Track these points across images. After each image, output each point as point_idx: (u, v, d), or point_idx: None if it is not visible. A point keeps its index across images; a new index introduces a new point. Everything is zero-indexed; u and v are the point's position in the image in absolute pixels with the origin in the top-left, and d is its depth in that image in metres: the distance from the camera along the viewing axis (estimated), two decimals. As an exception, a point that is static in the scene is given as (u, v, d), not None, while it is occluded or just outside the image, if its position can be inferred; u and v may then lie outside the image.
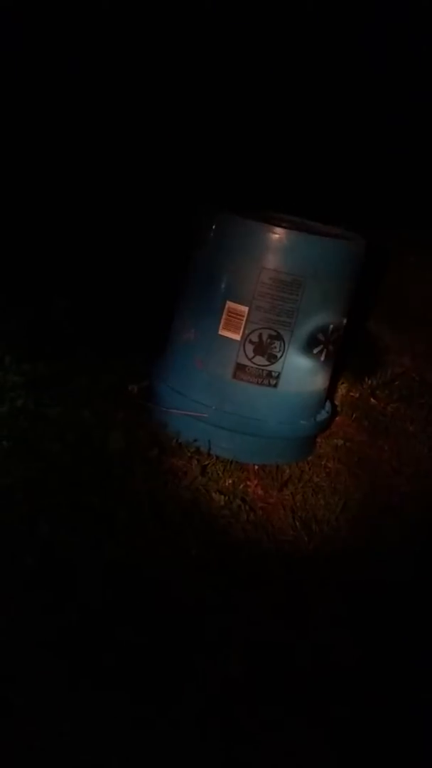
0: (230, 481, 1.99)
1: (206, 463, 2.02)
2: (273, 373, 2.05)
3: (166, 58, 2.75)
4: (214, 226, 2.07)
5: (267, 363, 2.03)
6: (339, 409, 2.50)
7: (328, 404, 2.30)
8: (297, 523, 1.90)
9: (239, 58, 2.73)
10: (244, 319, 2.00)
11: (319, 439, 2.32)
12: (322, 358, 2.11)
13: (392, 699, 1.49)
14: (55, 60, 2.69)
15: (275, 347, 2.02)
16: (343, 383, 2.65)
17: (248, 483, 2.02)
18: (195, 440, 2.08)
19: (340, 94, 2.77)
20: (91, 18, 2.66)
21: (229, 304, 2.01)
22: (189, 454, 2.03)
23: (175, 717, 1.31)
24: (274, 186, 2.40)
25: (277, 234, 1.97)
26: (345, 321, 2.15)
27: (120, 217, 2.83)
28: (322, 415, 2.22)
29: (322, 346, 2.08)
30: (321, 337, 2.06)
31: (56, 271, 2.66)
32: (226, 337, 2.03)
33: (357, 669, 1.52)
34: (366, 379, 2.77)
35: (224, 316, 2.02)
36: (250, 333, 2.01)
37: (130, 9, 2.68)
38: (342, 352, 2.30)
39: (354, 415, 2.53)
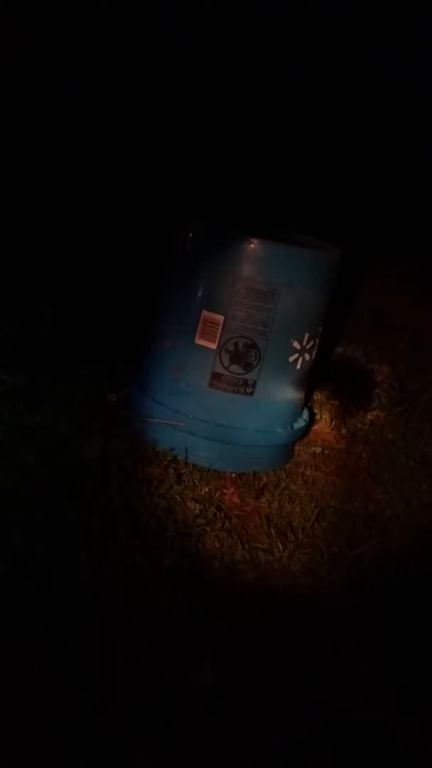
0: (206, 490, 2.00)
1: (183, 471, 2.03)
2: (249, 382, 2.06)
3: (156, 64, 2.77)
4: (190, 235, 2.09)
5: (243, 372, 2.05)
6: (317, 416, 2.51)
7: (305, 412, 2.31)
8: (272, 531, 1.90)
9: (228, 65, 2.75)
10: (220, 328, 2.01)
11: (297, 447, 2.33)
12: (299, 366, 2.12)
13: (362, 704, 1.49)
14: (42, 73, 2.71)
15: (251, 356, 2.03)
16: (322, 391, 2.66)
17: (225, 491, 2.03)
18: (172, 449, 2.09)
19: (323, 104, 2.80)
20: (82, 22, 2.67)
21: (205, 313, 2.03)
22: (166, 463, 2.04)
23: (148, 723, 1.31)
24: (253, 197, 2.42)
25: (252, 243, 1.98)
26: (321, 329, 2.17)
27: (101, 227, 2.84)
28: (300, 423, 2.24)
29: (298, 354, 2.10)
30: (297, 345, 2.08)
31: (40, 280, 2.67)
32: (202, 346, 2.04)
33: (330, 675, 1.53)
34: (345, 387, 2.79)
35: (200, 325, 2.03)
36: (226, 342, 2.02)
37: (127, 11, 2.69)
38: (320, 361, 2.32)
39: (333, 423, 2.54)
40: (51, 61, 2.70)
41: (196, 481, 2.01)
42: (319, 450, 2.36)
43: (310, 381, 2.25)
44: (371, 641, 1.65)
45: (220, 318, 2.01)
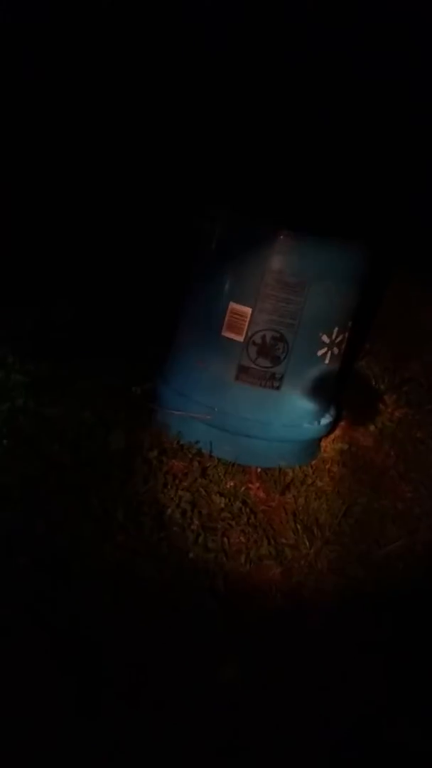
0: (231, 484, 1.97)
1: (207, 465, 2.00)
2: (276, 376, 2.02)
3: (171, 57, 2.74)
4: (218, 227, 2.06)
5: (270, 365, 2.01)
6: (345, 413, 2.47)
7: (333, 408, 2.27)
8: (298, 527, 1.87)
9: (249, 56, 2.71)
10: (248, 320, 1.98)
11: (323, 443, 2.29)
12: (327, 361, 2.08)
13: (391, 710, 1.45)
14: (53, 62, 2.69)
15: (279, 349, 2.00)
16: (350, 387, 2.61)
17: (250, 486, 2.00)
18: (197, 442, 2.06)
19: (353, 99, 2.75)
20: (89, 17, 2.65)
21: (232, 305, 1.99)
22: (190, 456, 2.01)
23: (172, 719, 1.29)
24: (282, 189, 2.38)
25: (282, 235, 1.95)
26: (350, 324, 2.12)
27: (125, 219, 2.82)
28: (327, 419, 2.19)
29: (326, 348, 2.06)
30: (326, 339, 2.04)
31: (62, 272, 2.66)
32: (229, 339, 2.01)
33: (357, 677, 1.49)
34: (374, 384, 2.74)
35: (227, 318, 2.00)
36: (253, 335, 1.99)
37: (131, 7, 2.67)
38: (349, 356, 2.27)
39: (360, 420, 2.49)
40: (53, 56, 2.68)
41: (221, 475, 1.98)
42: (346, 446, 2.32)
43: (338, 376, 2.20)
44: (399, 641, 1.61)
45: (248, 310, 1.98)
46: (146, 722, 1.28)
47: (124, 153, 2.74)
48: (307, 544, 1.82)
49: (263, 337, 1.99)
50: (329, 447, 2.30)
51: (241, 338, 2.00)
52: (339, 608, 1.66)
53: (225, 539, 1.75)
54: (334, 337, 2.06)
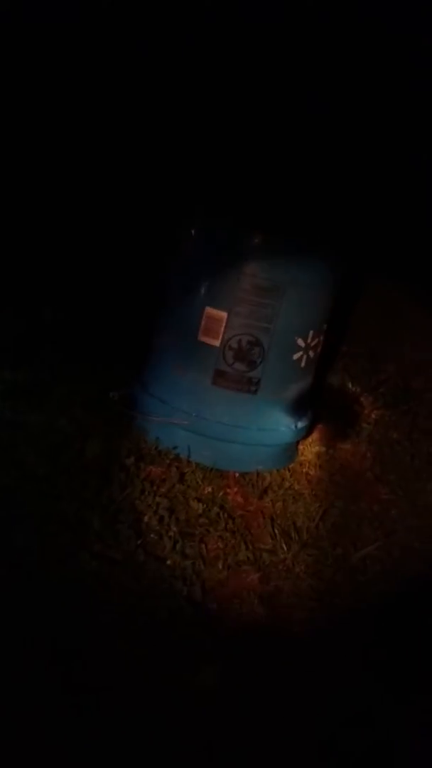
0: (209, 489, 1.96)
1: (185, 470, 2.00)
2: (253, 380, 2.03)
3: (155, 60, 2.74)
4: (194, 231, 2.06)
5: (247, 369, 2.02)
6: (322, 415, 2.48)
7: (310, 411, 2.28)
8: (276, 531, 1.87)
9: (224, 66, 2.72)
10: (224, 325, 1.98)
11: (301, 446, 2.30)
12: (303, 365, 2.09)
13: (370, 713, 1.46)
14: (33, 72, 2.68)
15: (255, 353, 2.00)
16: (327, 390, 2.63)
17: (228, 490, 2.00)
18: (175, 447, 2.06)
19: (327, 107, 2.76)
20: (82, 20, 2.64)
21: (208, 309, 1.99)
22: (168, 462, 2.01)
23: (148, 728, 1.28)
24: (257, 194, 2.39)
25: (257, 239, 1.95)
26: (326, 327, 2.14)
27: (102, 225, 2.81)
28: (304, 422, 2.20)
29: (302, 352, 2.06)
30: (301, 343, 2.05)
31: (42, 280, 2.64)
32: (206, 343, 2.01)
33: (335, 681, 1.50)
34: (351, 386, 2.75)
35: (203, 322, 2.00)
36: (229, 339, 1.99)
37: (127, 10, 2.66)
38: (326, 358, 2.29)
39: (337, 422, 2.51)
40: (49, 57, 2.67)
41: (198, 480, 1.98)
42: (323, 449, 2.33)
43: (314, 379, 2.21)
44: (378, 644, 1.62)
45: (224, 315, 1.98)
46: (123, 729, 1.27)
47: (102, 160, 2.73)
48: (285, 548, 1.82)
49: (239, 342, 1.99)
50: (307, 450, 2.31)
51: (217, 343, 2.00)
52: (316, 612, 1.66)
53: (203, 545, 1.75)
54: (309, 340, 2.07)
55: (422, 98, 2.66)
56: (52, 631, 1.40)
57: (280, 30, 2.66)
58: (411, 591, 1.83)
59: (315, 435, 2.38)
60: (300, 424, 2.18)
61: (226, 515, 1.88)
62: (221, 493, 1.97)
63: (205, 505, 1.88)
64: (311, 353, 2.10)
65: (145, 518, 1.76)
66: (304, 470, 2.21)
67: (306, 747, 1.36)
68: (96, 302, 2.63)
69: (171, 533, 1.74)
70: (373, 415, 2.60)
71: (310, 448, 2.32)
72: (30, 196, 2.77)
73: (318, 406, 2.41)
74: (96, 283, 2.70)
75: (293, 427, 2.16)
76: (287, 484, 2.11)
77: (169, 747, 1.28)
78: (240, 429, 2.06)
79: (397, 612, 1.74)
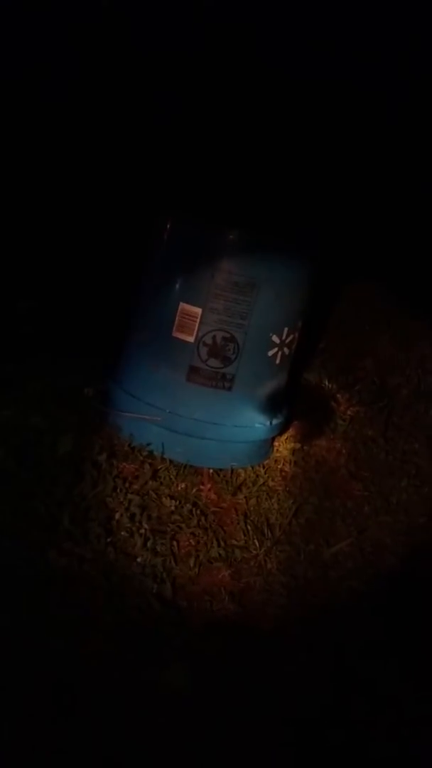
0: (182, 486, 1.96)
1: (159, 467, 1.98)
2: (227, 376, 2.02)
3: (128, 67, 2.72)
4: (169, 227, 2.05)
5: (221, 366, 2.01)
6: (298, 412, 2.48)
7: (285, 407, 2.27)
8: (249, 528, 1.87)
9: (201, 65, 2.70)
10: (198, 321, 1.97)
11: (276, 443, 2.30)
12: (278, 361, 2.09)
13: (340, 710, 1.47)
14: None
15: (229, 349, 2.00)
16: (303, 386, 2.63)
17: (201, 487, 1.99)
18: (148, 444, 2.04)
19: (301, 104, 2.76)
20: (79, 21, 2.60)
21: (183, 305, 1.98)
22: (141, 458, 2.00)
23: (117, 726, 1.28)
24: (231, 191, 2.38)
25: (231, 235, 1.94)
26: (301, 324, 2.13)
27: (79, 221, 2.78)
28: (279, 419, 2.20)
29: (277, 348, 2.06)
30: (276, 339, 2.04)
31: (16, 275, 2.61)
32: (180, 339, 2.00)
33: (306, 677, 1.50)
34: (326, 383, 2.76)
35: (178, 318, 1.99)
36: (203, 335, 1.98)
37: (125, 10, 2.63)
38: (302, 355, 2.28)
39: (313, 419, 2.51)
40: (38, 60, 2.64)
41: (172, 477, 1.97)
42: (298, 446, 2.33)
43: (289, 375, 2.21)
44: (349, 640, 1.63)
45: (198, 311, 1.96)
46: (91, 728, 1.26)
47: (79, 156, 2.70)
48: (257, 544, 1.82)
49: (214, 338, 1.98)
50: (282, 446, 2.31)
51: (191, 339, 1.99)
52: (287, 608, 1.66)
53: (174, 542, 1.74)
54: (284, 337, 2.06)
55: (396, 95, 2.67)
56: (19, 630, 1.38)
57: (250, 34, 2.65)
58: (383, 587, 1.84)
59: (290, 432, 2.38)
60: (275, 421, 2.18)
61: (198, 512, 1.87)
62: (194, 490, 1.96)
63: (177, 502, 1.88)
64: (286, 350, 2.10)
65: (117, 516, 1.74)
66: (278, 467, 2.21)
67: (276, 745, 1.36)
68: (71, 296, 2.61)
69: (142, 530, 1.73)
70: (348, 412, 2.60)
71: (285, 445, 2.32)
72: (5, 191, 2.74)
73: (294, 402, 2.41)
74: (71, 277, 2.67)
75: (268, 423, 2.16)
76: (261, 480, 2.10)
77: (138, 745, 1.28)
78: (214, 426, 2.05)
79: (369, 608, 1.75)
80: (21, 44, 2.60)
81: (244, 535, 1.85)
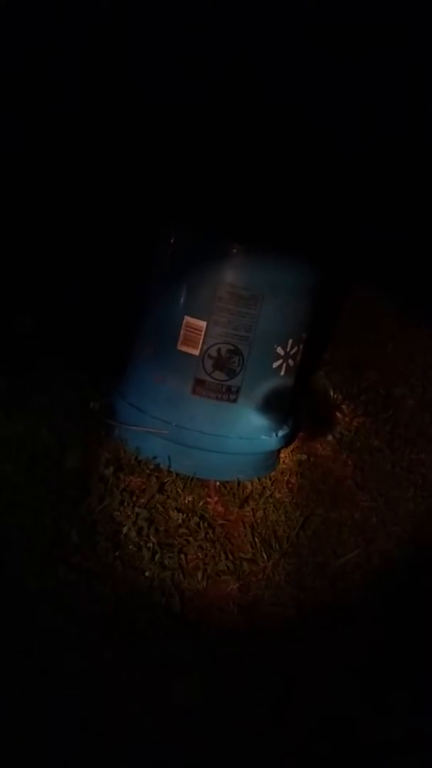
0: (189, 499, 1.96)
1: (165, 480, 1.99)
2: (233, 388, 2.03)
3: (130, 72, 2.75)
4: (173, 241, 2.07)
5: (226, 378, 2.02)
6: (304, 423, 2.49)
7: (290, 419, 2.28)
8: (256, 540, 1.87)
9: (203, 77, 2.73)
10: (203, 334, 1.98)
11: (282, 454, 2.31)
12: (283, 373, 2.09)
13: (349, 722, 1.46)
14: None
15: (234, 362, 2.01)
16: (308, 397, 2.64)
17: (208, 500, 1.99)
18: (154, 457, 2.05)
19: (305, 118, 2.78)
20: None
21: (188, 318, 2.00)
22: (148, 472, 2.00)
23: (127, 740, 1.28)
24: (234, 204, 2.40)
25: (234, 249, 1.96)
26: (305, 335, 2.14)
27: (85, 234, 2.81)
28: (284, 431, 2.21)
29: (281, 360, 2.07)
30: (280, 351, 2.05)
31: (22, 288, 2.63)
32: (185, 353, 2.01)
33: (315, 689, 1.50)
34: (332, 393, 2.76)
35: (183, 331, 2.00)
36: (208, 348, 1.99)
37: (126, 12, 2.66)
38: (308, 366, 2.29)
39: (319, 430, 2.51)
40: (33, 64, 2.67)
41: (179, 490, 1.98)
42: (304, 457, 2.33)
43: (294, 387, 2.22)
44: (357, 652, 1.62)
45: (203, 324, 1.98)
46: (101, 741, 1.26)
47: (84, 169, 2.73)
48: (265, 557, 1.82)
49: (218, 351, 1.99)
50: (288, 458, 2.31)
51: (196, 352, 2.00)
52: (296, 620, 1.66)
53: (182, 556, 1.74)
54: (288, 349, 2.07)
55: (394, 103, 2.69)
56: (30, 644, 1.39)
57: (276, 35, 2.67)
58: (391, 598, 1.83)
59: (296, 443, 2.39)
60: (281, 433, 2.19)
61: (206, 525, 1.87)
62: (201, 503, 1.96)
63: (185, 515, 1.88)
64: (291, 361, 2.10)
65: (124, 529, 1.75)
66: (285, 478, 2.21)
67: (286, 756, 1.36)
68: (76, 310, 2.63)
69: (150, 544, 1.73)
70: (354, 423, 2.61)
71: (292, 456, 2.33)
72: (10, 204, 2.77)
73: (299, 414, 2.42)
74: (77, 291, 2.69)
75: (274, 435, 2.16)
76: (268, 492, 2.11)
77: (148, 758, 1.27)
78: (220, 438, 2.05)
79: (378, 619, 1.75)
80: (22, 54, 2.63)
81: (252, 548, 1.85)
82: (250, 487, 2.10)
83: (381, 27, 2.66)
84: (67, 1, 2.58)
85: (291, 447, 2.35)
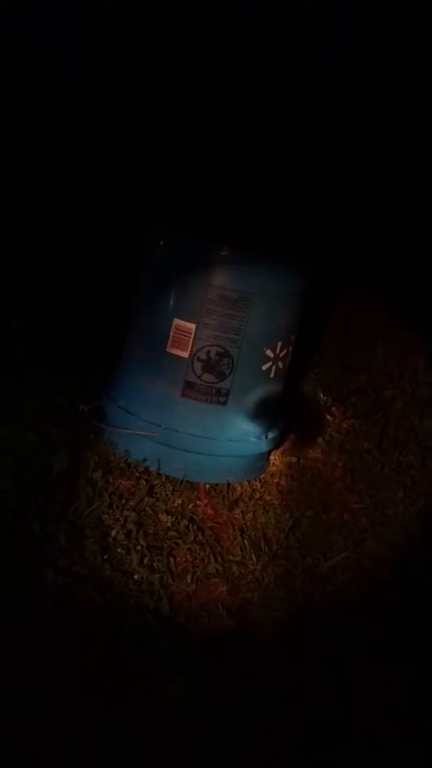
0: (179, 501, 1.95)
1: (155, 483, 1.98)
2: (222, 391, 2.03)
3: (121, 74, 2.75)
4: (161, 244, 2.07)
5: (216, 380, 2.02)
6: (294, 425, 2.49)
7: (280, 421, 2.28)
8: (246, 543, 1.87)
9: (191, 78, 2.74)
10: (192, 336, 1.98)
11: (272, 457, 2.31)
12: (272, 375, 2.10)
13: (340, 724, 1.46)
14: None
15: (223, 364, 2.01)
16: (298, 399, 2.64)
17: (198, 502, 1.99)
18: (144, 460, 2.05)
19: (292, 120, 2.79)
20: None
21: (177, 321, 2.00)
22: (137, 475, 2.00)
23: (114, 743, 1.27)
24: (223, 207, 2.40)
25: (223, 251, 1.96)
26: (294, 338, 2.15)
27: (73, 237, 2.80)
28: (274, 433, 2.21)
29: (271, 362, 2.07)
30: (269, 353, 2.06)
31: (9, 293, 2.62)
32: (175, 355, 2.01)
33: (305, 692, 1.49)
34: (322, 396, 2.77)
35: (172, 334, 2.00)
36: (198, 351, 1.99)
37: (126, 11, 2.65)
38: (297, 368, 2.29)
39: (309, 432, 2.52)
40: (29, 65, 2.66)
41: (168, 492, 1.97)
42: (294, 459, 2.34)
43: (284, 389, 2.22)
44: (347, 653, 1.62)
45: (192, 326, 1.98)
46: (88, 746, 1.25)
47: (73, 172, 2.72)
48: (254, 559, 1.82)
49: (208, 353, 1.99)
50: (278, 460, 2.31)
51: (186, 354, 2.00)
52: (285, 623, 1.66)
53: (171, 559, 1.74)
54: (278, 351, 2.07)
55: (388, 106, 2.70)
56: (17, 649, 1.37)
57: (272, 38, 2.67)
58: (380, 599, 1.83)
59: (286, 445, 2.39)
60: (270, 435, 2.19)
61: (195, 528, 1.87)
62: (191, 506, 1.96)
63: (174, 518, 1.87)
64: (280, 364, 2.11)
65: (113, 533, 1.74)
66: (275, 480, 2.21)
67: (275, 759, 1.35)
68: (65, 313, 2.62)
69: (139, 547, 1.72)
70: (344, 425, 2.61)
71: (282, 458, 2.33)
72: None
73: (289, 416, 2.42)
74: (66, 294, 2.69)
75: (263, 437, 2.16)
76: (258, 494, 2.10)
77: (136, 763, 1.27)
78: (210, 440, 2.05)
79: (367, 620, 1.75)
80: (20, 54, 2.62)
81: (241, 550, 1.85)
82: (239, 489, 2.10)
83: (381, 27, 2.66)
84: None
85: (281, 449, 2.35)
